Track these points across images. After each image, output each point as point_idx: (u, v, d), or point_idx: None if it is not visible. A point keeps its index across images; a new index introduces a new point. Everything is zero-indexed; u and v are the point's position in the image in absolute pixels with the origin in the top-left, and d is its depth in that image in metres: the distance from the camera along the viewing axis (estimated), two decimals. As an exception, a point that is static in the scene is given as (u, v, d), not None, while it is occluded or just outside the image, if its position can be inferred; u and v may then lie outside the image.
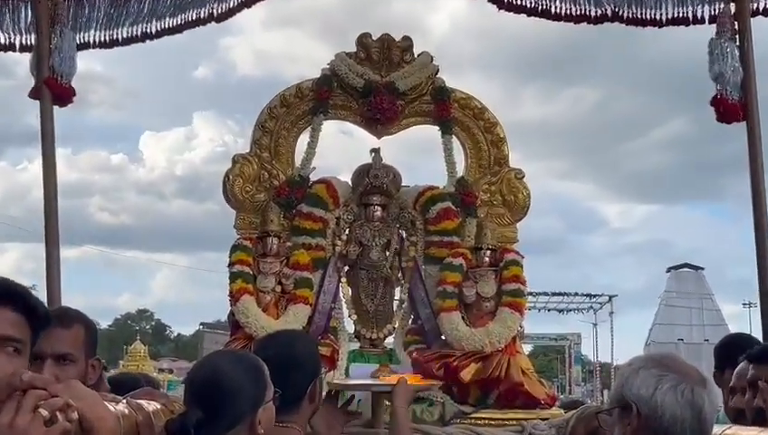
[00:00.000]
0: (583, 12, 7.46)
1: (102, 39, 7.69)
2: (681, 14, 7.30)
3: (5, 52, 7.73)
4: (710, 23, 7.18)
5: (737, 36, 6.96)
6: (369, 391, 3.49)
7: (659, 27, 7.37)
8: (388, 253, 6.88)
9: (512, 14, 7.56)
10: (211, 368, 2.46)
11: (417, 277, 6.77)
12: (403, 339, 6.74)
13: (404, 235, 7.01)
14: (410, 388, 3.02)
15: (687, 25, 7.32)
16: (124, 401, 2.34)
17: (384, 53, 6.94)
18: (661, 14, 7.33)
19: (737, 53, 6.88)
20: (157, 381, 7.72)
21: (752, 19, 7.04)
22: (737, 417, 3.84)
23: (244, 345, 6.16)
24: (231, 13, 7.61)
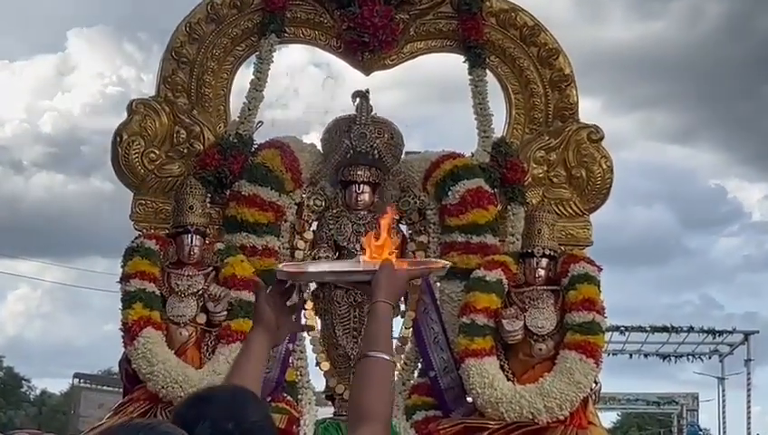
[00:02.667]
0: None
1: None
2: None
3: None
4: None
5: None
6: (337, 281, 3.61)
7: None
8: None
9: None
10: None
11: (427, 302, 6.82)
12: (405, 402, 6.78)
13: (407, 231, 7.08)
14: (398, 275, 3.07)
15: None
16: None
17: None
18: None
19: None
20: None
21: None
22: None
23: (146, 410, 6.20)
24: None
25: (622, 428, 50.36)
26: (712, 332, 29.30)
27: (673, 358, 30.87)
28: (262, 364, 3.20)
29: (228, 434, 2.58)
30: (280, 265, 3.25)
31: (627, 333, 28.24)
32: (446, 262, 3.53)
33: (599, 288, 6.50)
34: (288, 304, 3.27)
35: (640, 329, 28.62)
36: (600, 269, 6.59)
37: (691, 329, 28.89)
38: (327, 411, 7.04)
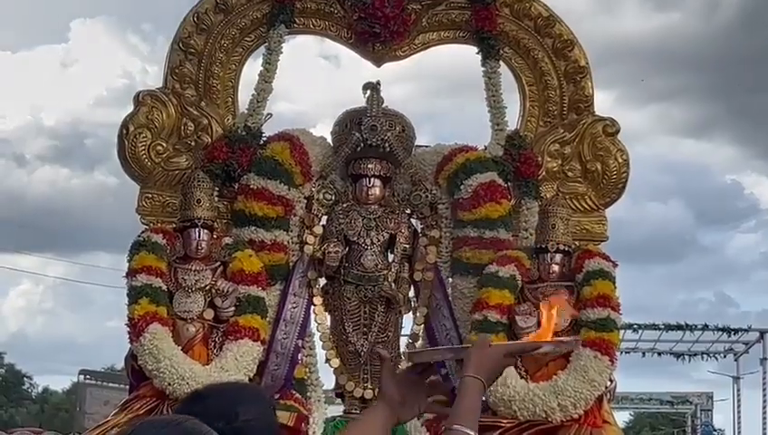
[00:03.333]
0: None
1: None
2: None
3: None
4: None
5: None
6: (450, 359, 3.64)
7: None
8: (391, 257, 6.90)
9: None
10: None
11: (439, 298, 6.79)
12: (416, 399, 6.76)
13: (418, 226, 7.03)
14: (492, 352, 3.06)
15: None
16: None
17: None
18: None
19: None
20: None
21: None
22: None
23: (152, 407, 6.18)
24: None
25: (635, 428, 50.35)
26: (727, 330, 29.16)
27: (687, 356, 30.74)
28: None
29: (220, 432, 2.56)
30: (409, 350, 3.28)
31: (640, 332, 28.13)
32: (576, 339, 3.41)
33: (614, 284, 6.46)
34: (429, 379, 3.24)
35: (654, 327, 28.52)
36: (615, 265, 6.54)
37: (705, 327, 28.78)
38: (336, 410, 7.00)
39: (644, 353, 29.82)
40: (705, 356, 30.75)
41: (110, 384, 35.73)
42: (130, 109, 6.93)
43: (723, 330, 28.99)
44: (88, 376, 37.47)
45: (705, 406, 40.34)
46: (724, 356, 31.18)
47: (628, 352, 27.63)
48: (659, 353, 30.28)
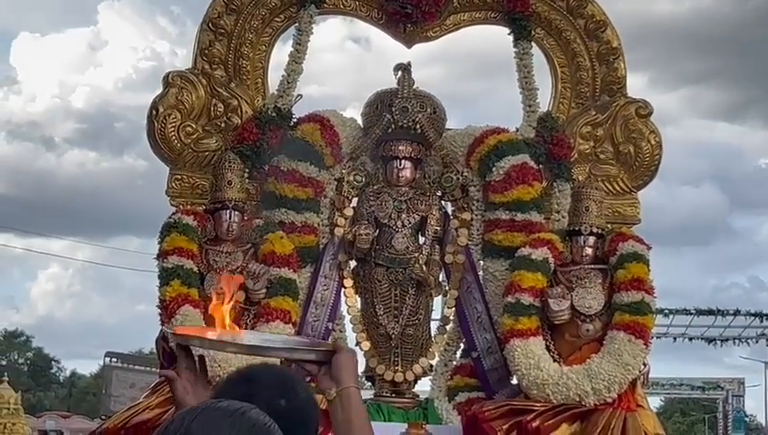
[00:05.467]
0: None
1: None
2: None
3: None
4: None
5: None
6: (282, 357, 3.31)
7: None
8: (422, 239, 6.91)
9: None
10: None
11: (471, 280, 6.81)
12: (447, 383, 6.79)
13: (450, 208, 7.04)
14: (354, 357, 3.02)
15: None
16: None
17: None
18: None
19: None
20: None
21: None
22: None
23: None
24: None
25: (666, 413, 50.21)
26: (759, 315, 29.09)
27: (718, 342, 30.67)
28: None
29: (281, 411, 2.55)
30: (169, 329, 3.01)
31: (671, 316, 28.10)
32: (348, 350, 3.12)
33: (648, 267, 6.45)
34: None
35: (685, 312, 28.50)
36: (649, 248, 6.53)
37: (737, 312, 28.73)
38: (367, 394, 7.02)
39: (675, 339, 29.77)
40: (737, 341, 30.66)
41: (136, 367, 35.86)
42: (159, 91, 6.96)
43: (755, 315, 28.93)
44: (114, 358, 37.62)
45: (737, 392, 40.30)
46: (757, 341, 31.11)
47: (659, 338, 27.51)
48: (691, 339, 30.21)
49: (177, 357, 2.92)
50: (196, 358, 2.95)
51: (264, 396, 2.60)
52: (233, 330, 2.95)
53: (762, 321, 29.20)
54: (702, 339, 30.45)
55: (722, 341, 30.64)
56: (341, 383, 2.84)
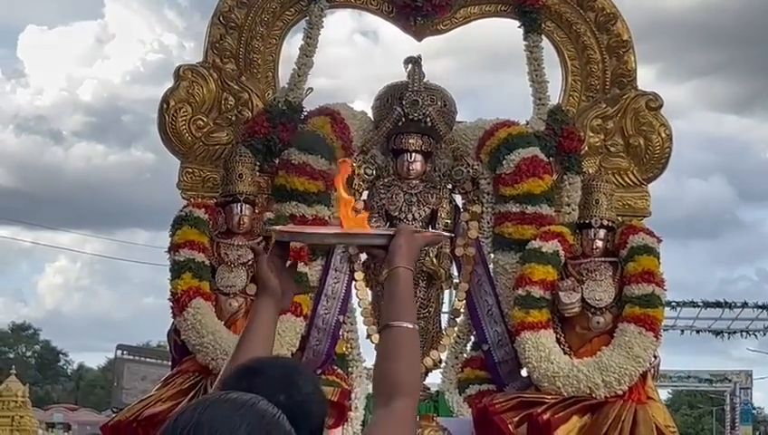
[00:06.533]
0: None
1: None
2: None
3: None
4: None
5: None
6: (341, 243, 3.56)
7: None
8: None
9: None
10: None
11: (481, 273, 6.82)
12: (458, 375, 6.81)
13: (460, 201, 7.06)
14: (417, 241, 3.05)
15: None
16: None
17: None
18: None
19: None
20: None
21: None
22: None
23: (195, 382, 6.24)
24: None
25: (673, 405, 50.23)
26: (767, 307, 29.08)
27: (726, 334, 30.68)
28: (272, 335, 3.16)
29: (280, 407, 2.56)
30: (276, 227, 3.21)
31: (678, 309, 28.12)
32: (450, 234, 3.40)
33: (658, 260, 6.46)
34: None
35: (692, 304, 28.50)
36: (659, 240, 6.54)
37: (745, 304, 28.74)
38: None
39: (682, 331, 29.78)
40: (744, 334, 30.66)
41: (148, 359, 35.94)
42: (167, 84, 7.01)
43: (763, 307, 28.93)
44: (125, 351, 37.67)
45: (745, 384, 40.27)
46: (764, 334, 31.11)
47: (667, 330, 27.47)
48: (698, 331, 30.20)
49: (272, 247, 3.04)
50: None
51: (264, 390, 2.62)
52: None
53: (770, 313, 29.20)
54: (709, 331, 30.45)
55: (729, 333, 30.63)
56: (392, 264, 2.94)
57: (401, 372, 2.82)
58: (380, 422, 2.77)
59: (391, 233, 2.99)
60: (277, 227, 3.19)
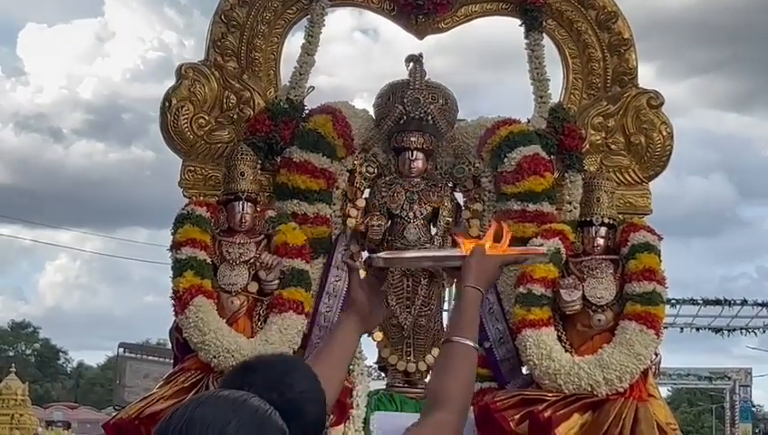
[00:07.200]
0: None
1: None
2: None
3: None
4: None
5: None
6: (433, 266, 3.76)
7: None
8: (434, 230, 6.93)
9: None
10: None
11: (482, 271, 6.83)
12: (459, 373, 6.84)
13: (461, 200, 7.07)
14: (491, 262, 3.07)
15: None
16: None
17: None
18: None
19: None
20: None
21: None
22: None
23: (197, 380, 6.26)
24: None
25: (673, 403, 50.24)
26: (767, 305, 29.11)
27: (726, 332, 30.72)
28: (351, 349, 3.20)
29: (273, 404, 2.58)
30: (379, 254, 3.30)
31: (678, 307, 28.14)
32: (546, 249, 3.54)
33: (659, 258, 6.47)
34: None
35: (692, 302, 28.53)
36: (660, 238, 6.56)
37: (744, 302, 28.77)
38: (379, 384, 7.07)
39: (682, 329, 29.80)
40: (744, 331, 30.68)
41: (150, 357, 35.97)
42: (168, 82, 7.02)
43: (763, 305, 28.95)
44: (127, 349, 37.71)
45: (744, 382, 40.33)
46: (764, 331, 31.13)
47: (666, 328, 27.48)
48: (698, 329, 30.22)
49: (372, 270, 3.20)
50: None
51: (258, 387, 2.64)
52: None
53: (770, 311, 29.20)
54: (709, 329, 30.47)
55: (729, 331, 30.66)
56: (461, 283, 3.00)
57: (451, 386, 2.87)
58: (413, 431, 2.79)
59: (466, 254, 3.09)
60: (380, 255, 3.29)
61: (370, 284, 3.17)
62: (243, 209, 6.55)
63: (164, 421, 2.36)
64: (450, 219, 6.89)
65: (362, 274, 3.39)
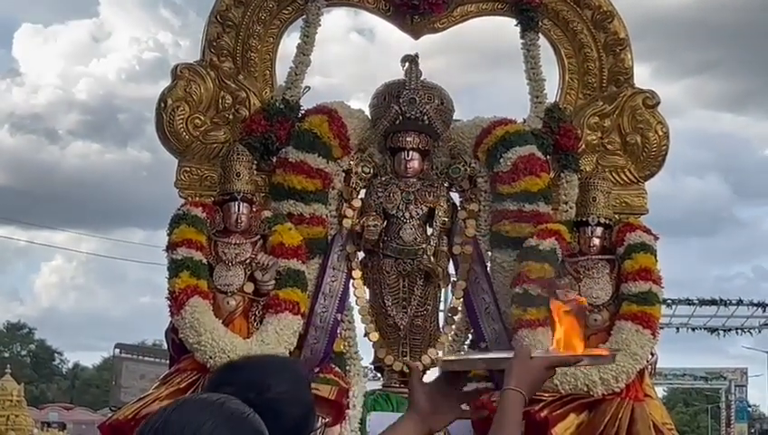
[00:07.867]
0: None
1: None
2: None
3: None
4: None
5: None
6: (483, 367, 3.77)
7: None
8: (430, 230, 6.93)
9: None
10: None
11: (479, 271, 6.84)
12: (455, 373, 6.83)
13: (457, 200, 7.07)
14: (534, 364, 3.06)
15: None
16: None
17: None
18: None
19: None
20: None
21: None
22: None
23: (193, 380, 6.27)
24: None
25: (669, 403, 50.20)
26: (762, 305, 29.07)
27: (721, 332, 30.65)
28: None
29: (252, 405, 2.58)
30: (445, 358, 3.34)
31: (674, 306, 28.08)
32: (614, 352, 3.46)
33: (655, 257, 6.48)
34: (464, 389, 3.29)
35: (688, 302, 28.48)
36: (656, 238, 6.56)
37: (740, 302, 28.72)
38: (375, 384, 7.07)
39: (677, 329, 29.74)
40: (740, 331, 30.64)
41: (146, 358, 35.87)
42: (163, 83, 7.03)
43: (758, 305, 28.89)
44: (124, 350, 37.63)
45: (740, 382, 40.31)
46: (760, 331, 31.08)
47: (662, 328, 27.44)
48: (694, 329, 30.16)
49: (438, 378, 3.14)
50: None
51: (236, 387, 2.64)
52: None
53: (765, 311, 29.12)
54: (705, 329, 30.40)
55: (725, 331, 30.59)
56: (504, 384, 2.99)
57: None
58: None
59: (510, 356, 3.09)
60: (446, 358, 3.33)
61: (438, 383, 3.17)
62: (239, 210, 6.55)
63: (144, 423, 2.37)
64: (446, 219, 6.90)
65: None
